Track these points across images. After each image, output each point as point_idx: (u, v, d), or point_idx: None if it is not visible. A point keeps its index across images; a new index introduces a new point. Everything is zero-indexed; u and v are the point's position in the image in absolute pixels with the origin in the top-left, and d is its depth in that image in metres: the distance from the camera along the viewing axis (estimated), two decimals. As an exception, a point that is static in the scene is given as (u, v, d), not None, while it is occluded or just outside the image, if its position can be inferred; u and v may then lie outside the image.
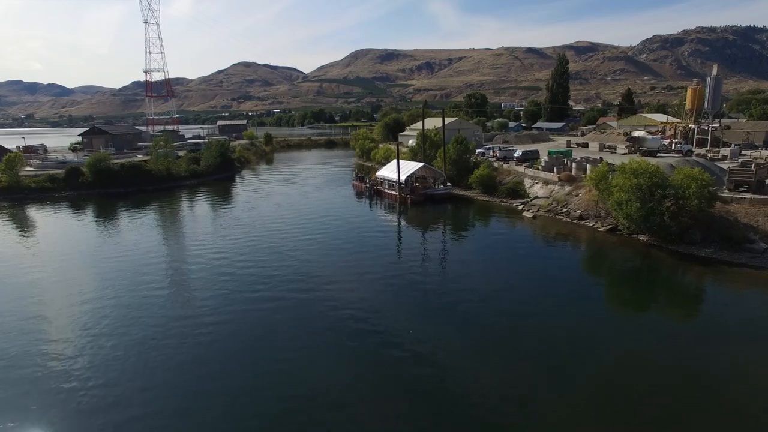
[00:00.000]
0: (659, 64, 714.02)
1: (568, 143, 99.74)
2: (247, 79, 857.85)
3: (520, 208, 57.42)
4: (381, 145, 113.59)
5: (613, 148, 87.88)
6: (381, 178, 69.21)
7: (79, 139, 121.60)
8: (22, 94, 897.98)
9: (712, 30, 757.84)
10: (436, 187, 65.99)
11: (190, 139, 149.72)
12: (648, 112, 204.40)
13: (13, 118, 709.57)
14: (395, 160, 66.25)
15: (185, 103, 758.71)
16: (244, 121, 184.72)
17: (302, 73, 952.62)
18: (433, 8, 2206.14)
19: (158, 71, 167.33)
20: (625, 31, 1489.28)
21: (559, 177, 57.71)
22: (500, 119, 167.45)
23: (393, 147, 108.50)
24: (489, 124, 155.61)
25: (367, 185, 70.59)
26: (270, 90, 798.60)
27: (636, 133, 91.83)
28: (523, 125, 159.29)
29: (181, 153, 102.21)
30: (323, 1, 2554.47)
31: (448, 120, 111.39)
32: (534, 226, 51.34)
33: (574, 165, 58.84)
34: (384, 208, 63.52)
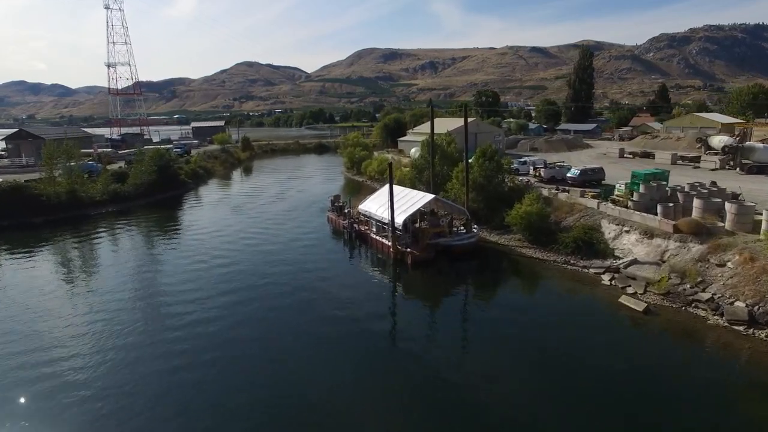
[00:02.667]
0: (666, 62, 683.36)
1: (622, 152, 73.58)
2: (249, 79, 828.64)
3: (607, 281, 31.44)
4: (376, 154, 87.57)
5: (694, 161, 61.86)
6: (366, 215, 43.26)
7: (3, 144, 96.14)
8: (25, 95, 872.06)
9: (720, 28, 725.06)
10: (455, 231, 39.96)
11: (156, 144, 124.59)
12: (678, 113, 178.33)
13: (14, 118, 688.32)
14: (387, 187, 40.29)
15: (187, 103, 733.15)
16: (222, 123, 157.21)
17: (305, 72, 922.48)
18: (436, 8, 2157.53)
19: (123, 65, 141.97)
20: (630, 30, 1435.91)
21: (675, 225, 31.60)
22: (519, 120, 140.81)
23: (390, 156, 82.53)
24: (504, 124, 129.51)
25: (346, 226, 44.70)
26: (272, 90, 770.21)
27: (717, 139, 66.01)
28: (544, 127, 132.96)
29: (117, 166, 76.90)
30: (325, 0, 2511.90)
31: (460, 122, 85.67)
32: (648, 329, 25.58)
33: (698, 204, 32.63)
34: (369, 266, 37.87)
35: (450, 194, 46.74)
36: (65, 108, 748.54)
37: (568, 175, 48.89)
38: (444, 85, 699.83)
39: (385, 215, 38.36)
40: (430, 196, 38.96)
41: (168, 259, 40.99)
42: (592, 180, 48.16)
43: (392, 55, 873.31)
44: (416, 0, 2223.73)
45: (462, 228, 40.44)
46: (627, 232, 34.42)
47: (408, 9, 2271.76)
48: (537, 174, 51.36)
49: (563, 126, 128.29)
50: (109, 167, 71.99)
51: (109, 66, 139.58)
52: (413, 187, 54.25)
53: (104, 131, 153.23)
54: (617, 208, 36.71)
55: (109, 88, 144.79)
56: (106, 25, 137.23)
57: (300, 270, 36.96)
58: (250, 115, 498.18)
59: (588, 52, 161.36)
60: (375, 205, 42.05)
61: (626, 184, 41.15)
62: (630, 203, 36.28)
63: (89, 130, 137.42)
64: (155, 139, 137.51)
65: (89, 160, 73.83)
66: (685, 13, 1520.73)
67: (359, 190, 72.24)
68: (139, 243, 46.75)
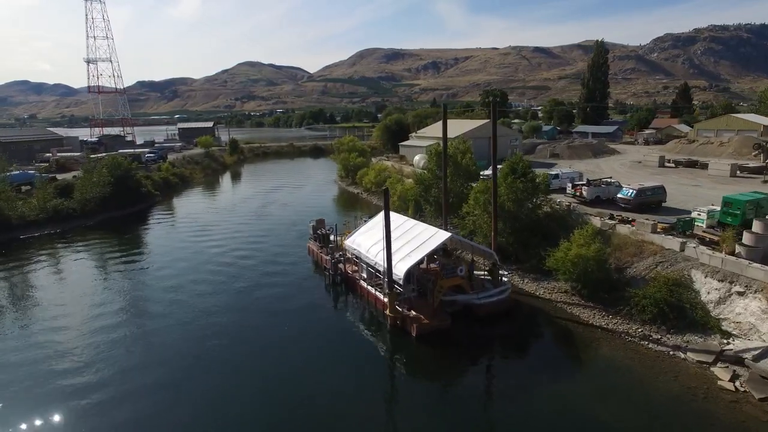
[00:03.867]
0: (671, 63, 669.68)
1: (662, 161, 61.69)
2: (251, 79, 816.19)
3: (726, 380, 19.63)
4: (374, 161, 75.78)
5: (760, 172, 50.00)
6: (355, 254, 31.49)
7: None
8: (28, 94, 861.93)
9: (725, 28, 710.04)
10: (477, 284, 28.05)
11: (139, 146, 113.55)
12: (697, 114, 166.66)
13: (15, 117, 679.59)
14: (381, 217, 28.65)
15: (188, 103, 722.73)
16: (210, 124, 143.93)
17: (307, 72, 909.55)
18: (440, 8, 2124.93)
19: (104, 61, 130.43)
20: (633, 30, 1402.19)
21: (835, 294, 19.80)
22: (532, 121, 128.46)
23: (390, 164, 70.83)
24: (514, 126, 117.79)
25: (328, 267, 32.87)
26: (274, 90, 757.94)
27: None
28: (558, 129, 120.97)
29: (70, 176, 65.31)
30: (329, 1, 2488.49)
31: (474, 124, 74.20)
32: None
33: None
34: (357, 328, 26.36)
35: (467, 222, 35.08)
36: (67, 108, 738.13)
37: (620, 195, 37.08)
38: (446, 85, 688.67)
39: (380, 259, 26.69)
40: (443, 235, 26.94)
41: (79, 311, 29.34)
42: (651, 203, 36.40)
43: (395, 55, 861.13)
44: (419, 0, 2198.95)
45: (485, 274, 28.69)
46: (741, 294, 22.65)
47: (411, 9, 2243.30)
48: (578, 193, 39.46)
49: (580, 128, 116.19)
50: (60, 177, 60.49)
51: (89, 62, 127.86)
52: (417, 209, 42.81)
53: (85, 132, 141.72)
54: (717, 254, 24.90)
55: (89, 86, 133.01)
56: (86, 18, 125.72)
57: (258, 330, 25.63)
58: (250, 115, 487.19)
59: (602, 47, 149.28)
60: (368, 240, 30.29)
61: (708, 212, 29.53)
62: (738, 248, 24.45)
63: (61, 131, 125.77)
64: (139, 141, 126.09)
65: (29, 169, 62.39)
66: (689, 14, 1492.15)
67: (353, 205, 60.69)
68: (55, 282, 35.11)
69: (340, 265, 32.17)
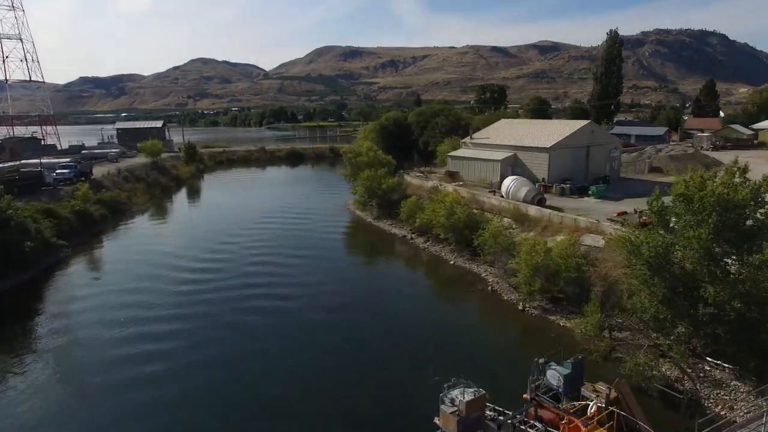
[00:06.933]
0: (622, 63, 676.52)
1: None
2: (204, 76, 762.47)
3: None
4: (435, 183, 49.33)
5: None
6: None
7: None
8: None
9: (668, 32, 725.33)
10: None
11: (62, 152, 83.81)
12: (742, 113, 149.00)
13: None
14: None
15: (137, 101, 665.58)
16: (159, 123, 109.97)
17: (263, 70, 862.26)
18: (398, 6, 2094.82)
19: (12, 38, 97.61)
20: (586, 32, 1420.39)
21: None
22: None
23: (452, 188, 44.97)
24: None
25: None
26: (229, 88, 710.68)
27: None
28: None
29: None
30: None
31: (567, 128, 50.25)
32: None
33: None
34: None
35: None
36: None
37: None
38: (406, 83, 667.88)
39: None
40: None
41: None
42: None
43: (352, 53, 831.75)
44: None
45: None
46: None
47: (370, 7, 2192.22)
48: None
49: (618, 129, 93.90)
50: None
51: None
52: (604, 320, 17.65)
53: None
54: None
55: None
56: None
57: None
58: (204, 114, 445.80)
59: (616, 38, 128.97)
60: None
61: None
62: None
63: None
64: (64, 146, 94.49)
65: None
66: (637, 18, 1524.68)
67: (418, 265, 34.84)
68: None
69: None
